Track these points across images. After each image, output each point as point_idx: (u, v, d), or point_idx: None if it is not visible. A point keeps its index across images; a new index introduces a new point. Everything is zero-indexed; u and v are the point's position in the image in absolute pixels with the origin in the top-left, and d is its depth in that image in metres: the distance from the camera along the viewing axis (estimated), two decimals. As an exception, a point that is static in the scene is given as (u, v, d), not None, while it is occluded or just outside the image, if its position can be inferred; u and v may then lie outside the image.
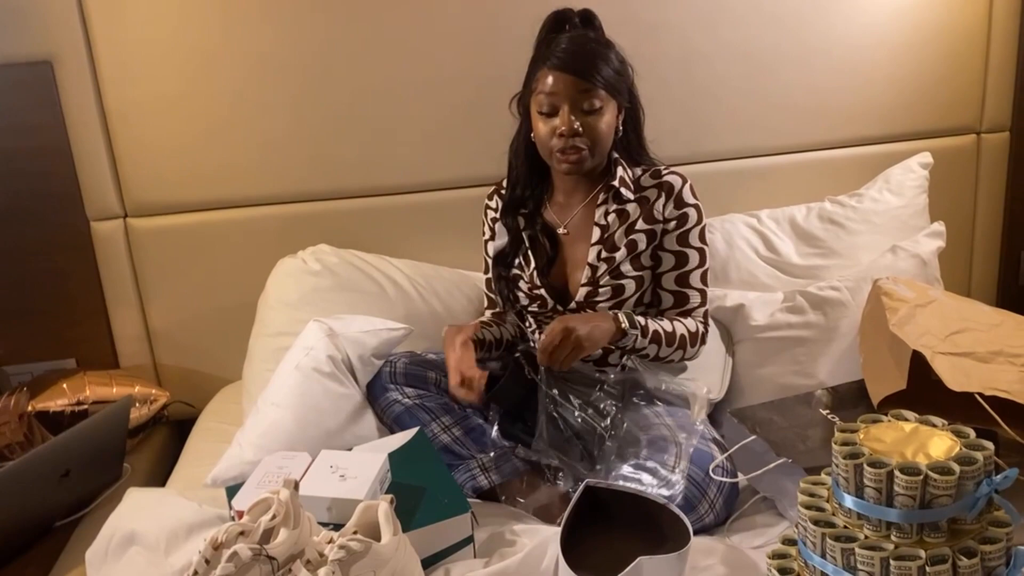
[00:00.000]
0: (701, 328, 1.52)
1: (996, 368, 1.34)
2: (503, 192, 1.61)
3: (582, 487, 1.23)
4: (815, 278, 1.85)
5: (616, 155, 1.54)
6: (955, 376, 1.29)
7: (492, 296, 1.64)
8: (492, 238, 1.60)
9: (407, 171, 1.88)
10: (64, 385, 1.69)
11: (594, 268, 1.50)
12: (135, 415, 1.71)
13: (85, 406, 1.68)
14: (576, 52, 1.42)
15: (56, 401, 1.67)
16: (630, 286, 1.50)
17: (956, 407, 1.26)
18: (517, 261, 1.56)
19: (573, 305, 1.51)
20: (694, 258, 1.51)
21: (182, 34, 1.75)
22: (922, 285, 1.65)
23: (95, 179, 1.79)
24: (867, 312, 1.61)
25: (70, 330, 1.85)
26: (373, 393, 1.50)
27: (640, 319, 1.45)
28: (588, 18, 1.50)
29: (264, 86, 1.79)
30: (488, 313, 1.67)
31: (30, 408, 1.65)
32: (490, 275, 1.62)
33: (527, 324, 1.60)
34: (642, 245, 1.50)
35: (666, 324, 1.47)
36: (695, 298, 1.52)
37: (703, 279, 1.53)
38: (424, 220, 1.89)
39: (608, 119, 1.45)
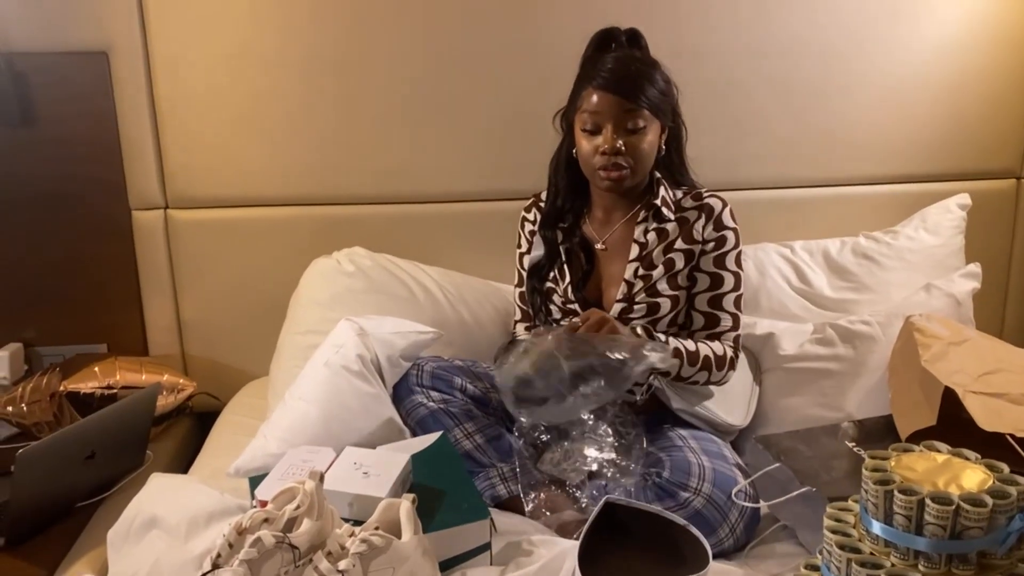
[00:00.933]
0: (730, 352, 1.51)
1: None
2: (542, 204, 1.62)
3: (602, 503, 1.22)
4: (846, 312, 1.84)
5: (658, 175, 1.55)
6: (987, 416, 1.28)
7: (524, 308, 1.64)
8: (528, 251, 1.61)
9: (444, 180, 1.90)
10: (96, 368, 1.71)
11: (630, 285, 1.51)
12: (161, 403, 1.72)
13: (115, 390, 1.70)
14: (621, 72, 1.43)
15: (87, 383, 1.69)
16: (665, 305, 1.50)
17: (983, 448, 1.23)
18: (552, 274, 1.57)
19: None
20: (729, 281, 1.52)
21: (235, 32, 1.79)
22: (956, 324, 1.64)
23: (140, 169, 1.82)
24: (898, 348, 1.60)
25: (104, 316, 1.88)
26: (399, 395, 1.51)
27: (673, 340, 1.45)
28: (635, 37, 1.52)
29: (312, 88, 1.83)
30: (520, 327, 1.66)
31: (61, 388, 1.67)
32: (523, 287, 1.63)
33: None
34: (680, 264, 1.51)
35: (690, 344, 1.47)
36: (726, 321, 1.52)
37: (736, 303, 1.53)
38: (458, 230, 1.91)
39: (651, 139, 1.46)
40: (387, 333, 1.53)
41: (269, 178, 1.86)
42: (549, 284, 1.57)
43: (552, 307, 1.56)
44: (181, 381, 1.80)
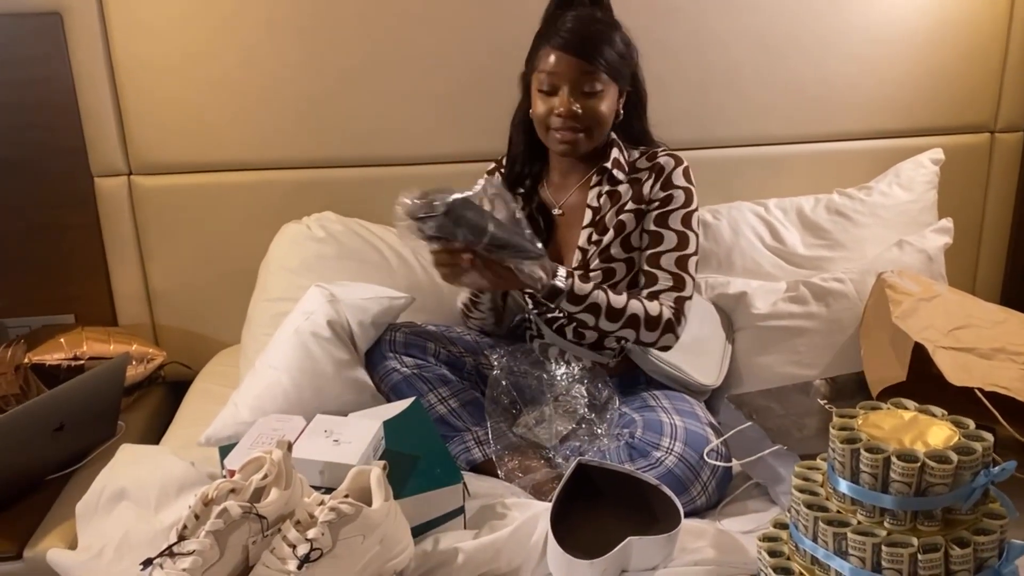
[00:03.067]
0: (667, 314, 1.42)
1: (997, 365, 1.34)
2: (503, 169, 1.59)
3: (574, 464, 1.23)
4: (820, 269, 1.84)
5: (613, 136, 1.52)
6: (956, 371, 1.29)
7: None
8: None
9: (416, 142, 1.87)
10: (62, 340, 1.69)
11: (584, 251, 1.49)
12: (131, 373, 1.70)
13: (82, 361, 1.67)
14: (580, 32, 1.39)
15: (53, 355, 1.67)
16: (620, 269, 1.48)
17: (954, 403, 1.24)
18: None
19: None
20: (670, 239, 1.45)
21: (194, -8, 1.73)
22: (927, 280, 1.65)
23: (101, 135, 1.78)
24: (870, 304, 1.61)
25: (70, 286, 1.85)
26: (372, 361, 1.50)
27: (586, 285, 1.38)
28: None
29: (276, 49, 1.78)
30: None
31: (27, 360, 1.65)
32: None
33: (525, 303, 1.59)
34: (630, 226, 1.48)
35: (618, 299, 1.39)
36: (665, 280, 1.45)
37: (680, 264, 1.45)
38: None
39: (608, 103, 1.43)
40: (359, 299, 1.52)
41: (235, 142, 1.82)
42: None
43: None
44: (151, 351, 1.78)
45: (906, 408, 1.00)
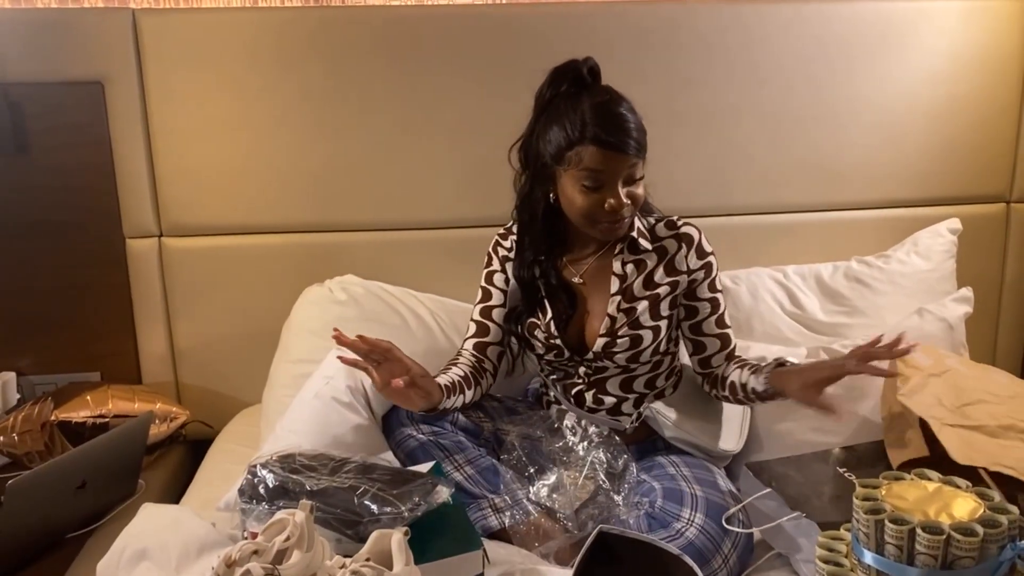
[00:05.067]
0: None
1: (1006, 444, 1.33)
2: (507, 244, 1.58)
3: (595, 532, 1.22)
4: (839, 336, 1.84)
5: None
6: (962, 449, 1.28)
7: (482, 322, 1.57)
8: (500, 271, 1.57)
9: (436, 207, 1.91)
10: (88, 397, 1.71)
11: (613, 319, 1.49)
12: (154, 432, 1.71)
13: (107, 419, 1.69)
14: (619, 126, 1.36)
15: (79, 412, 1.69)
16: (647, 336, 1.49)
17: (971, 479, 1.24)
18: (534, 312, 1.53)
19: (590, 355, 1.50)
20: (722, 301, 1.53)
21: (231, 62, 1.80)
22: (940, 352, 1.64)
23: (135, 198, 1.83)
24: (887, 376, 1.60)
25: (97, 344, 1.88)
26: (388, 426, 1.49)
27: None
28: (595, 70, 1.45)
29: (304, 117, 1.84)
30: (469, 344, 1.58)
31: (53, 418, 1.67)
32: (490, 303, 1.57)
33: (542, 370, 1.59)
34: (663, 295, 1.49)
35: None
36: (732, 338, 1.54)
37: (729, 318, 1.55)
38: (451, 256, 1.91)
39: (643, 181, 1.44)
40: None
41: (262, 206, 1.87)
42: (531, 319, 1.53)
43: (535, 343, 1.53)
44: (174, 410, 1.79)
45: (930, 479, 1.00)
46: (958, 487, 0.98)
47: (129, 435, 1.54)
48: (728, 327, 1.53)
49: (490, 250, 1.60)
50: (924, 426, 1.34)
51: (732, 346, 1.54)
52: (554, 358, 1.53)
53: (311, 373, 1.57)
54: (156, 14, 1.79)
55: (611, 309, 1.49)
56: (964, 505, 0.93)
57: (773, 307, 1.88)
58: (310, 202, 1.88)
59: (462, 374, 1.50)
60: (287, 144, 1.85)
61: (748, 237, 1.98)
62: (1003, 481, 1.23)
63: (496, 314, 1.56)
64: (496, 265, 1.58)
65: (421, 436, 1.45)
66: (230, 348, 1.91)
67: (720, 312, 1.52)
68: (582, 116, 1.37)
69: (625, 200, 1.39)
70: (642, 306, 1.48)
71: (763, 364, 1.45)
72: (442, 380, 1.45)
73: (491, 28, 1.85)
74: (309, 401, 1.48)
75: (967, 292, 1.86)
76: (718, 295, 1.52)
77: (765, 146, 1.95)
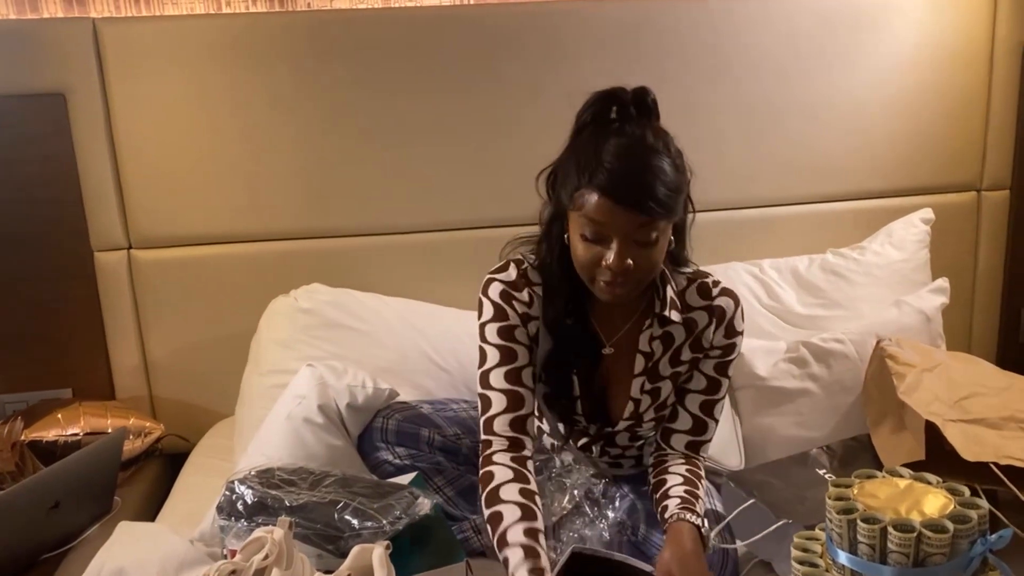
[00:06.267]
0: (703, 470, 1.37)
1: (1008, 435, 1.34)
2: (535, 286, 1.32)
3: (568, 552, 1.20)
4: (817, 328, 1.85)
5: (663, 268, 1.30)
6: (968, 444, 1.29)
7: (512, 390, 1.29)
8: (523, 327, 1.32)
9: (407, 212, 1.89)
10: (59, 415, 1.68)
11: (637, 402, 1.35)
12: (128, 447, 1.69)
13: (79, 437, 1.66)
14: (633, 178, 1.14)
15: (50, 431, 1.66)
16: (669, 414, 1.39)
17: (969, 471, 1.25)
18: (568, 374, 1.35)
19: (611, 431, 1.39)
20: (723, 388, 1.37)
21: (194, 70, 1.78)
22: (925, 347, 1.64)
23: (102, 210, 1.80)
24: (870, 374, 1.60)
25: (68, 360, 1.85)
26: (363, 449, 1.46)
27: (701, 515, 1.25)
28: (642, 100, 1.22)
29: (271, 124, 1.82)
30: (502, 423, 1.28)
31: (23, 437, 1.64)
32: (516, 364, 1.30)
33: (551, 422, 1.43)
34: (684, 373, 1.36)
35: (702, 493, 1.31)
36: (711, 431, 1.37)
37: (720, 411, 1.38)
38: (423, 260, 1.90)
39: (662, 245, 1.21)
40: (346, 385, 1.48)
41: (232, 215, 1.85)
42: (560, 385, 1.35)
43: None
44: (148, 424, 1.77)
45: (901, 476, 1.00)
46: (929, 483, 0.98)
47: (102, 453, 1.52)
48: (713, 418, 1.36)
49: (496, 300, 1.31)
50: (916, 428, 1.34)
51: (700, 441, 1.36)
52: (570, 428, 1.40)
53: (284, 384, 1.55)
54: (117, 23, 1.76)
55: (635, 391, 1.35)
56: (935, 501, 0.93)
57: (751, 301, 1.89)
58: (280, 210, 1.86)
59: (532, 504, 1.22)
60: (255, 152, 1.83)
61: (723, 232, 1.98)
62: (1013, 472, 1.24)
63: (525, 376, 1.30)
64: (514, 320, 1.30)
65: (398, 460, 1.42)
66: (204, 360, 1.89)
67: (714, 397, 1.36)
68: (599, 155, 1.16)
69: (626, 263, 1.17)
70: (667, 387, 1.35)
71: (675, 509, 1.25)
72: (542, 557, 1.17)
73: (458, 30, 1.83)
74: (281, 423, 1.45)
75: (943, 283, 1.87)
76: (723, 379, 1.36)
77: (737, 141, 1.95)
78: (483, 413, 1.30)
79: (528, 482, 1.24)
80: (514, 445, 1.27)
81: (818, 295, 1.92)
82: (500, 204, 1.85)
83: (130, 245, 1.85)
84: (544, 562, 1.15)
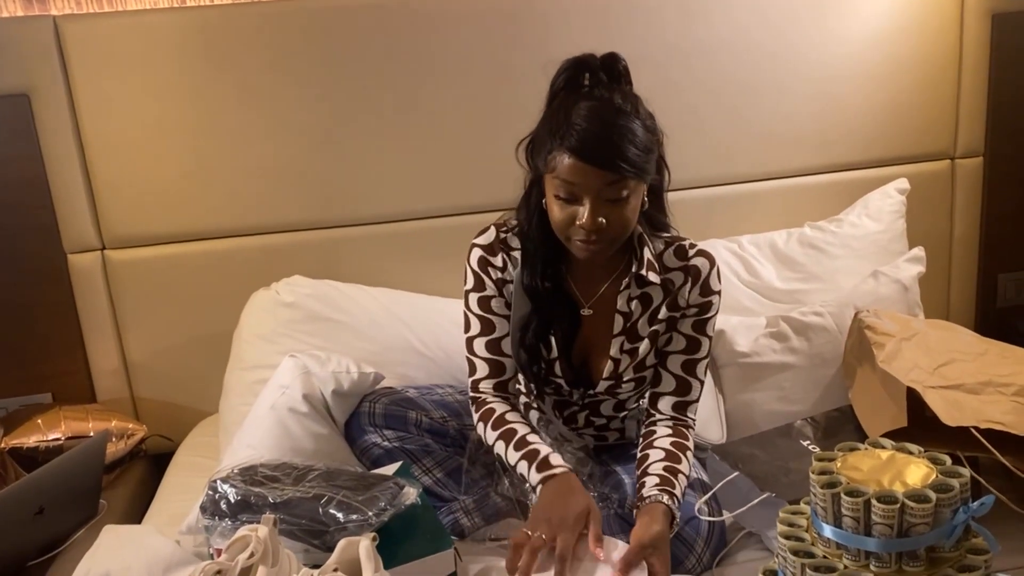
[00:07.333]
0: (692, 435, 1.38)
1: (987, 399, 1.35)
2: (513, 250, 1.37)
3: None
4: (797, 302, 1.86)
5: (639, 230, 1.34)
6: (948, 410, 1.29)
7: (493, 359, 1.39)
8: (499, 295, 1.39)
9: (382, 201, 1.88)
10: (39, 420, 1.66)
11: (617, 362, 1.38)
12: (112, 450, 1.68)
13: (60, 441, 1.65)
14: (599, 136, 1.19)
15: (30, 437, 1.65)
16: (651, 375, 1.41)
17: (951, 438, 1.26)
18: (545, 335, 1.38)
19: (593, 393, 1.41)
20: (704, 347, 1.38)
21: (159, 66, 1.75)
22: (903, 316, 1.66)
23: (72, 211, 1.78)
24: (850, 346, 1.61)
25: (46, 364, 1.83)
26: (351, 434, 1.46)
27: (677, 495, 1.27)
28: (611, 66, 1.27)
29: (240, 117, 1.79)
30: (487, 386, 1.40)
31: (3, 445, 1.62)
32: (494, 335, 1.39)
33: (534, 388, 1.44)
34: (662, 332, 1.38)
35: (685, 467, 1.32)
36: (696, 389, 1.39)
37: (705, 370, 1.41)
38: (401, 249, 1.89)
39: (634, 203, 1.25)
40: (331, 372, 1.48)
41: (206, 211, 1.83)
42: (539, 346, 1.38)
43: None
44: (131, 426, 1.75)
45: (883, 447, 1.01)
46: (911, 453, 0.99)
47: (85, 456, 1.51)
48: (696, 377, 1.38)
49: (475, 268, 1.39)
50: (898, 396, 1.35)
51: (686, 401, 1.38)
52: (552, 391, 1.43)
53: (266, 379, 1.54)
54: (79, 20, 1.72)
55: (614, 351, 1.38)
56: (917, 472, 0.94)
57: (730, 277, 1.89)
58: (254, 204, 1.84)
59: (526, 421, 1.38)
60: (225, 146, 1.80)
61: (701, 209, 1.98)
62: (993, 437, 1.25)
63: (504, 345, 1.39)
64: (491, 289, 1.38)
65: (386, 443, 1.43)
66: (185, 358, 1.87)
67: (695, 356, 1.38)
68: (568, 119, 1.21)
69: (598, 221, 1.22)
70: (644, 346, 1.37)
71: (651, 490, 1.27)
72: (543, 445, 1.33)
73: (427, 17, 1.81)
74: (265, 413, 1.45)
75: (919, 252, 1.88)
76: (702, 338, 1.38)
77: (711, 118, 1.95)
78: (470, 376, 1.43)
79: (526, 417, 1.39)
80: (503, 401, 1.41)
81: (797, 269, 1.93)
82: (479, 191, 1.84)
83: (103, 246, 1.82)
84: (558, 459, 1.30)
